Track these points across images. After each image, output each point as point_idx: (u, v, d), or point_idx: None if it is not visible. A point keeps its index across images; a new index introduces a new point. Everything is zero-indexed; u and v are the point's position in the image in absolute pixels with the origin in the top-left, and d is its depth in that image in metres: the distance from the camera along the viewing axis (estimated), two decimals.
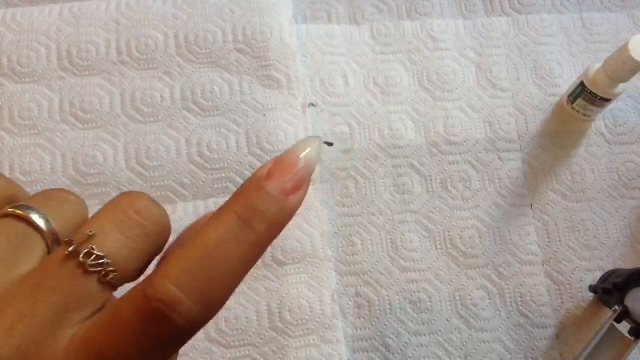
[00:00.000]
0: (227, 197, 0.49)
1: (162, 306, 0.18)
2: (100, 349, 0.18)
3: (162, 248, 0.22)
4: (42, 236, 0.20)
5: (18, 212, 0.20)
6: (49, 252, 0.21)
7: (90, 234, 0.20)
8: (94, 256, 0.19)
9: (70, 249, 0.19)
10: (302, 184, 0.21)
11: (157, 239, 0.21)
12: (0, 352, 0.18)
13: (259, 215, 0.20)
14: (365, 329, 0.49)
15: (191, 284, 0.18)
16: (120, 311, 0.19)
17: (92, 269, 0.19)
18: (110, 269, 0.19)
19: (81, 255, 0.19)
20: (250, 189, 0.20)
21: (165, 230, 0.21)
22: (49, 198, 0.22)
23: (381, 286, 0.50)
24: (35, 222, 0.20)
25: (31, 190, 0.49)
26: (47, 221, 0.20)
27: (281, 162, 0.21)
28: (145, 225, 0.21)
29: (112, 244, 0.20)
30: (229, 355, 0.47)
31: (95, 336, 0.19)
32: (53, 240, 0.21)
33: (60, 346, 0.19)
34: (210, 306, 0.19)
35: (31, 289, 0.19)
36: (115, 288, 0.20)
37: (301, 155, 0.21)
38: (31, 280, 0.19)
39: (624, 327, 0.44)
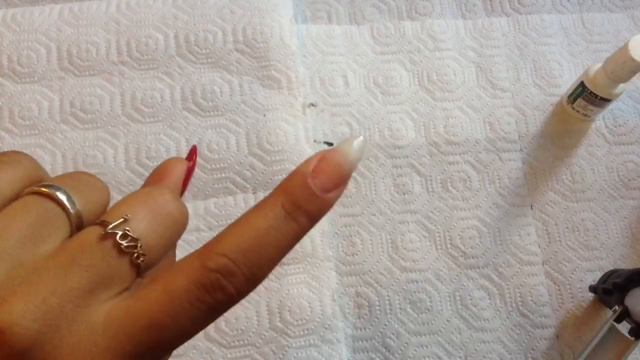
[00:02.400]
0: (228, 197, 0.50)
1: (219, 277, 0.20)
2: (151, 319, 0.20)
3: (177, 240, 0.23)
4: (68, 216, 0.21)
5: (45, 190, 0.21)
6: (72, 233, 0.21)
7: (126, 217, 0.21)
8: (129, 238, 0.21)
9: (108, 228, 0.21)
10: (342, 183, 0.23)
11: (180, 231, 0.23)
12: (32, 326, 0.18)
13: (301, 210, 0.22)
14: (365, 329, 0.49)
15: (244, 260, 0.21)
16: (173, 282, 0.20)
17: (127, 250, 0.21)
18: (141, 252, 0.21)
19: (118, 236, 0.20)
20: (296, 184, 0.22)
21: (185, 224, 0.23)
22: (76, 179, 0.23)
23: (381, 286, 0.50)
24: (62, 202, 0.21)
25: None
26: (72, 202, 0.21)
27: (326, 161, 0.22)
28: (174, 215, 0.22)
29: (144, 229, 0.21)
30: (228, 355, 0.47)
31: (142, 308, 0.20)
32: (77, 221, 0.22)
33: (96, 320, 0.20)
34: (254, 281, 0.21)
35: (64, 265, 0.20)
36: (139, 273, 0.22)
37: (346, 155, 0.23)
38: (62, 256, 0.20)
39: (624, 327, 0.44)
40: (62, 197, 0.21)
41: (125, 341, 0.20)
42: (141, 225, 0.21)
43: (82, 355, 0.19)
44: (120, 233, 0.21)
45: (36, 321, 0.19)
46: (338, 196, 0.23)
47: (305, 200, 0.22)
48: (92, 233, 0.21)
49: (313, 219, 0.22)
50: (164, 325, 0.20)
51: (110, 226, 0.21)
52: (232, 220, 0.48)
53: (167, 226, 0.22)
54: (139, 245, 0.21)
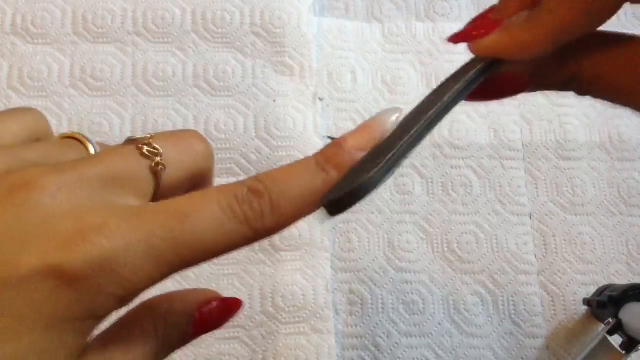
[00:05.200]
0: (231, 179, 0.50)
1: (248, 192, 0.22)
2: (181, 209, 0.20)
3: (203, 177, 0.25)
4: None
5: (77, 136, 0.24)
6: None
7: (152, 136, 0.23)
8: (151, 146, 0.22)
9: (132, 138, 0.23)
10: (368, 145, 0.24)
11: (202, 162, 0.25)
12: (53, 202, 0.19)
13: (330, 162, 0.23)
14: (356, 326, 0.48)
15: (272, 186, 0.22)
16: (208, 191, 0.22)
17: (147, 154, 0.22)
18: (161, 162, 0.22)
19: (139, 143, 0.22)
20: (332, 145, 0.24)
21: (208, 158, 0.25)
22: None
23: (375, 285, 0.49)
24: (90, 146, 0.24)
25: None
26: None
27: (362, 125, 0.24)
28: (197, 146, 0.24)
29: (166, 147, 0.23)
30: (217, 335, 0.46)
31: (173, 203, 0.21)
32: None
33: (117, 205, 0.21)
34: (278, 212, 0.22)
35: (85, 159, 0.22)
36: (158, 184, 0.23)
37: (379, 121, 0.24)
38: (87, 156, 0.22)
39: (616, 341, 0.44)
40: (90, 145, 0.23)
41: (148, 223, 0.20)
42: (164, 144, 0.23)
43: (98, 222, 0.19)
44: (144, 142, 0.22)
45: (56, 200, 0.20)
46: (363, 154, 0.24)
47: (335, 152, 0.23)
48: (121, 144, 0.23)
49: (342, 170, 0.23)
50: (190, 216, 0.20)
51: (136, 138, 0.23)
52: None
53: (189, 153, 0.24)
54: (160, 155, 0.22)
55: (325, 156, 0.23)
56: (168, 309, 0.24)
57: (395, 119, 0.25)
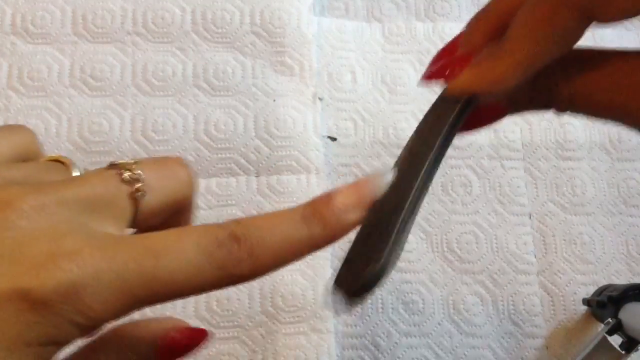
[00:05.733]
0: (231, 178, 0.50)
1: (228, 237, 0.21)
2: (156, 246, 0.20)
3: (184, 206, 0.25)
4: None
5: (62, 159, 0.24)
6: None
7: (134, 162, 0.23)
8: (132, 172, 0.22)
9: (114, 164, 0.23)
10: (361, 206, 0.24)
11: (183, 190, 0.24)
12: (29, 225, 0.19)
13: (317, 216, 0.23)
14: (355, 326, 0.48)
15: (253, 233, 0.22)
16: (187, 229, 0.21)
17: (128, 179, 0.22)
18: (141, 188, 0.22)
19: (120, 169, 0.22)
20: (319, 199, 0.23)
21: (190, 186, 0.25)
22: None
23: None
24: (74, 170, 0.24)
25: None
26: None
27: (352, 184, 0.24)
28: (179, 174, 0.24)
29: (148, 173, 0.23)
30: (217, 335, 0.46)
31: (149, 238, 0.21)
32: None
33: (95, 233, 0.20)
34: (256, 259, 0.22)
35: (65, 181, 0.22)
36: (137, 211, 0.23)
37: (370, 183, 0.24)
38: (67, 178, 0.23)
39: (615, 341, 0.44)
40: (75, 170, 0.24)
41: (122, 255, 0.20)
42: (146, 170, 0.23)
43: (71, 253, 0.19)
44: (125, 167, 0.22)
45: (37, 222, 0.20)
46: (356, 220, 0.24)
47: (322, 208, 0.23)
48: (100, 169, 0.23)
49: (327, 231, 0.23)
50: (163, 255, 0.20)
51: (117, 164, 0.23)
52: (232, 201, 0.48)
53: (171, 180, 0.24)
54: (141, 181, 0.22)
55: (312, 210, 0.23)
56: (133, 337, 0.23)
57: (387, 182, 0.25)
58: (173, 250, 0.20)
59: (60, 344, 0.19)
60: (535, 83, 0.25)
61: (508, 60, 0.23)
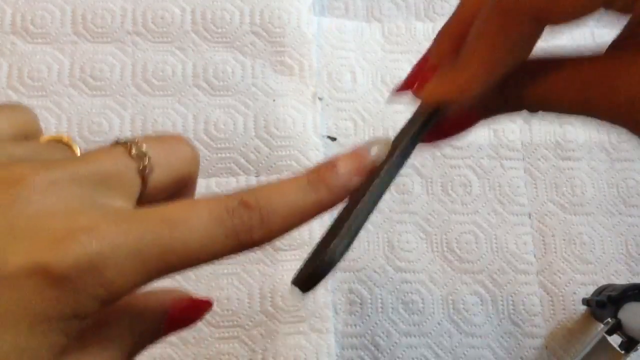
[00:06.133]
0: (230, 178, 0.49)
1: (239, 205, 0.22)
2: (171, 215, 0.21)
3: (188, 182, 0.26)
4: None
5: (64, 139, 0.24)
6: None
7: (140, 139, 0.23)
8: (139, 148, 0.23)
9: (121, 141, 0.23)
10: (362, 172, 0.25)
11: (188, 166, 0.25)
12: (43, 200, 0.20)
13: (322, 182, 0.24)
14: (355, 325, 0.49)
15: (263, 202, 0.22)
16: (198, 200, 0.22)
17: (135, 156, 0.22)
18: (149, 164, 0.23)
19: (128, 145, 0.23)
20: (323, 165, 0.25)
21: (195, 162, 0.25)
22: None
23: (374, 284, 0.49)
24: (77, 148, 0.24)
25: None
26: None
27: (353, 153, 0.25)
28: (184, 150, 0.25)
29: (154, 150, 0.23)
30: (217, 335, 0.46)
31: (163, 209, 0.21)
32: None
33: (109, 209, 0.21)
34: (267, 227, 0.22)
35: (75, 158, 0.22)
36: (145, 186, 0.23)
37: (371, 152, 0.25)
38: (76, 156, 0.23)
39: (615, 340, 0.44)
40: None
41: (137, 227, 0.20)
42: (152, 147, 0.23)
43: (85, 224, 0.19)
44: (132, 144, 0.23)
45: (49, 196, 0.20)
46: (356, 183, 0.25)
47: (327, 174, 0.24)
48: (107, 146, 0.23)
49: (332, 194, 0.24)
50: (179, 224, 0.21)
51: (124, 141, 0.23)
52: None
53: (176, 156, 0.24)
54: (147, 157, 0.23)
55: (318, 175, 0.24)
56: (144, 308, 0.24)
57: (382, 147, 0.26)
58: (186, 220, 0.21)
59: (82, 317, 0.19)
60: (503, 88, 0.25)
61: (467, 72, 0.24)
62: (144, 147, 0.23)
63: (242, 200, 0.22)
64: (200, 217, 0.21)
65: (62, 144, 0.24)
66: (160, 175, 0.23)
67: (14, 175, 0.20)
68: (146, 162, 0.23)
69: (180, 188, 0.25)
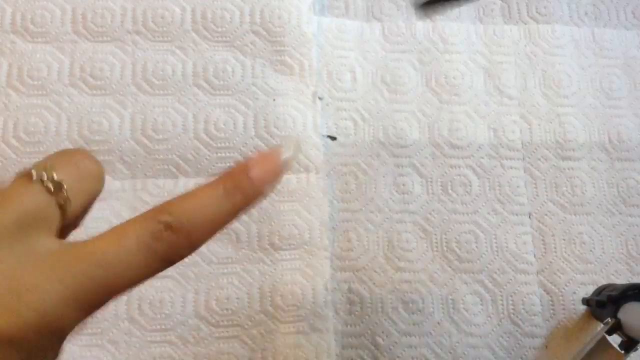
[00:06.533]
0: None
1: (164, 229, 0.23)
2: (101, 256, 0.22)
3: (95, 198, 0.26)
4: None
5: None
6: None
7: (51, 167, 0.23)
8: (55, 182, 0.23)
9: (35, 174, 0.23)
10: (276, 177, 0.26)
11: (97, 187, 0.25)
12: None
13: (238, 190, 0.25)
14: (355, 325, 0.49)
15: (185, 220, 0.23)
16: (122, 229, 0.23)
17: (53, 191, 0.23)
18: (67, 195, 0.23)
19: (44, 179, 0.23)
20: (237, 171, 0.25)
21: (102, 181, 0.26)
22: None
23: (374, 284, 0.49)
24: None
25: (33, 150, 0.49)
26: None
27: (265, 157, 0.26)
28: (92, 170, 0.25)
29: (67, 176, 0.23)
30: (216, 334, 0.46)
31: (92, 248, 0.22)
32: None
33: (39, 254, 0.21)
34: (191, 242, 0.23)
35: None
36: (65, 218, 0.24)
37: (282, 155, 0.26)
38: None
39: (615, 341, 0.44)
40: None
41: (74, 273, 0.21)
42: (64, 173, 0.23)
43: (28, 282, 0.20)
44: (46, 176, 0.23)
45: None
46: (271, 189, 0.26)
47: (242, 182, 0.25)
48: (21, 179, 0.23)
49: (248, 200, 0.25)
50: (112, 262, 0.22)
51: (36, 172, 0.23)
52: None
53: (87, 180, 0.25)
54: (64, 189, 0.23)
55: (232, 183, 0.25)
56: None
57: (294, 150, 0.27)
58: (117, 255, 0.22)
59: None
60: None
61: None
62: (57, 176, 0.23)
63: (166, 223, 0.23)
64: (129, 250, 0.22)
65: None
66: (76, 202, 0.24)
67: None
68: (65, 194, 0.23)
69: (90, 204, 0.26)
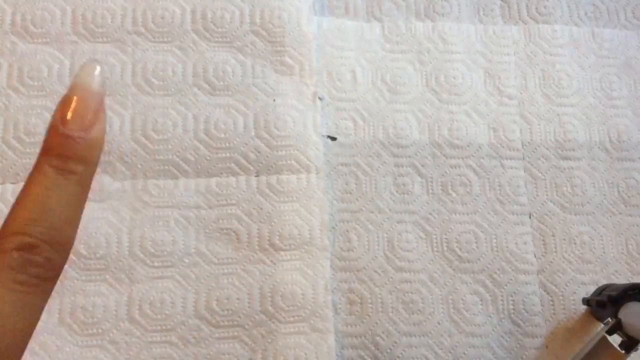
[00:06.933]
0: (231, 178, 0.50)
1: (23, 254, 0.19)
2: None
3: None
4: None
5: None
6: None
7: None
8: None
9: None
10: (98, 114, 0.22)
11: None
12: None
13: (71, 160, 0.21)
14: (355, 325, 0.49)
15: (39, 230, 0.20)
16: None
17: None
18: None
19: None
20: (53, 140, 0.21)
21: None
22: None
23: (374, 284, 0.49)
24: None
25: (34, 151, 0.49)
26: None
27: (70, 101, 0.21)
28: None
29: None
30: (216, 335, 0.46)
31: None
32: None
33: None
34: (61, 245, 0.20)
35: None
36: None
37: (89, 86, 0.22)
38: None
39: (615, 341, 0.44)
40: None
41: None
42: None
43: None
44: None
45: None
46: (102, 128, 0.22)
47: (68, 148, 0.21)
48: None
49: (88, 161, 0.21)
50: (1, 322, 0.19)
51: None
52: (232, 201, 0.47)
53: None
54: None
55: (61, 158, 0.21)
56: None
57: (97, 73, 0.22)
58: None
59: None
60: None
61: None
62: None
63: (22, 246, 0.20)
64: (5, 300, 0.19)
65: None
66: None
67: None
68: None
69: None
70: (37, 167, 0.21)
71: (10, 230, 0.20)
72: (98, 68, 0.22)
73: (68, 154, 0.21)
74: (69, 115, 0.21)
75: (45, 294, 0.20)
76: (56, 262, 0.20)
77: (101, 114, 0.22)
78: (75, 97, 0.21)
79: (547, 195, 0.53)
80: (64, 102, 0.22)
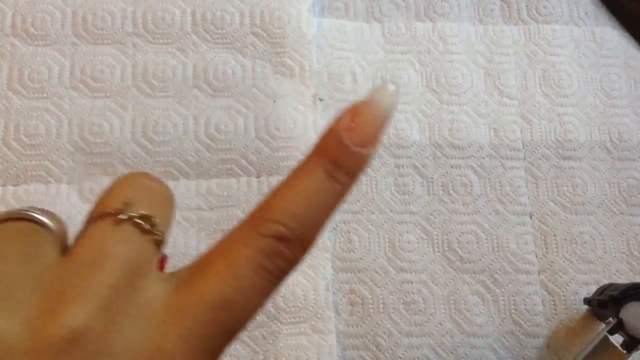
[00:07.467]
0: (231, 179, 0.49)
1: (276, 243, 0.20)
2: (218, 295, 0.19)
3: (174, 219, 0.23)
4: (49, 231, 0.21)
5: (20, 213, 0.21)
6: (61, 245, 0.21)
7: (127, 201, 0.21)
8: (146, 217, 0.20)
9: (120, 215, 0.20)
10: (377, 135, 0.21)
11: (174, 207, 0.23)
12: (98, 325, 0.18)
13: (342, 168, 0.21)
14: (357, 326, 0.49)
15: (297, 226, 0.20)
16: (232, 254, 0.20)
17: (148, 229, 0.20)
18: (160, 229, 0.21)
19: (135, 217, 0.20)
20: (332, 144, 0.21)
21: (175, 205, 0.23)
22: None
23: (376, 285, 0.49)
24: (38, 219, 0.21)
25: (34, 153, 0.49)
26: (51, 218, 0.21)
27: (360, 114, 0.21)
28: (166, 193, 0.22)
29: (150, 208, 0.21)
30: None
31: (204, 288, 0.19)
32: (60, 233, 0.21)
33: (154, 310, 0.19)
34: (307, 245, 0.21)
35: (90, 264, 0.19)
36: (158, 252, 0.21)
37: (380, 105, 0.21)
38: (82, 257, 0.20)
39: (617, 340, 0.44)
40: (37, 215, 0.20)
41: (195, 325, 0.19)
42: (145, 205, 0.21)
43: (151, 348, 0.18)
44: (135, 215, 0.20)
45: (100, 319, 0.18)
46: (375, 149, 0.22)
47: (344, 158, 0.21)
48: (103, 226, 0.20)
49: (354, 175, 0.21)
50: (232, 299, 0.19)
51: (120, 212, 0.20)
52: (233, 202, 0.47)
53: (165, 203, 0.22)
54: (154, 224, 0.21)
55: (331, 161, 0.21)
56: None
57: (391, 94, 0.21)
58: (237, 291, 0.19)
59: None
60: None
61: None
62: (141, 211, 0.20)
63: (278, 236, 0.20)
64: (245, 278, 0.19)
65: (22, 224, 0.21)
66: (165, 234, 0.22)
67: (68, 334, 0.17)
68: (158, 231, 0.21)
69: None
70: (309, 164, 0.21)
71: (271, 217, 0.20)
72: (393, 87, 0.22)
73: (341, 163, 0.21)
74: (355, 127, 0.21)
75: (275, 289, 0.20)
76: (297, 262, 0.21)
77: (381, 137, 0.22)
78: (367, 111, 0.21)
79: (548, 195, 0.53)
80: (355, 112, 0.21)
